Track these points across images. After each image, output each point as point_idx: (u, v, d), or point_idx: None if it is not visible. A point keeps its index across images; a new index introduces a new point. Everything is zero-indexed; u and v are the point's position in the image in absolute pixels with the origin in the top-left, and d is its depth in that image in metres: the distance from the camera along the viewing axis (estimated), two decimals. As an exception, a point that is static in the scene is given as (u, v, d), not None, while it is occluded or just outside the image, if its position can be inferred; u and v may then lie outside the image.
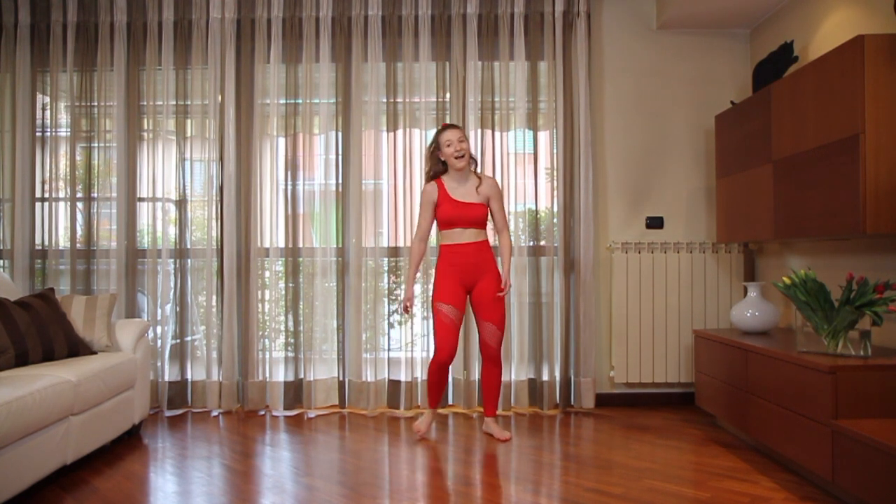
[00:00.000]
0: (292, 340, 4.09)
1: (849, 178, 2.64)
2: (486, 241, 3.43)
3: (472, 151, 4.01)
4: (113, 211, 4.13)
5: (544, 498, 2.64)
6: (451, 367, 3.96)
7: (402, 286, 3.88)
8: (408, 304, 3.48)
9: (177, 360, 4.09)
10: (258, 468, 3.06)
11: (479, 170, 3.63)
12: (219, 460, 3.16)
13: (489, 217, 3.47)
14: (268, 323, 4.16)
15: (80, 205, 4.13)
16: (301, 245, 4.12)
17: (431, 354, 4.05)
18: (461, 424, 3.77)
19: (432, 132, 4.08)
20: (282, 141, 4.17)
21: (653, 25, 4.23)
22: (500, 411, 3.99)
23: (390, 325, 4.17)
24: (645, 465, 3.03)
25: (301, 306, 4.09)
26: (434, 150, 3.44)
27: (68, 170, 4.13)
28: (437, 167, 3.45)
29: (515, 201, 4.11)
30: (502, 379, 4.00)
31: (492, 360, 3.44)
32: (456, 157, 3.35)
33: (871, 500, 2.26)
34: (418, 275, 3.59)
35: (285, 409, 4.04)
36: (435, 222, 3.48)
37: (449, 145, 3.36)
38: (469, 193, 3.39)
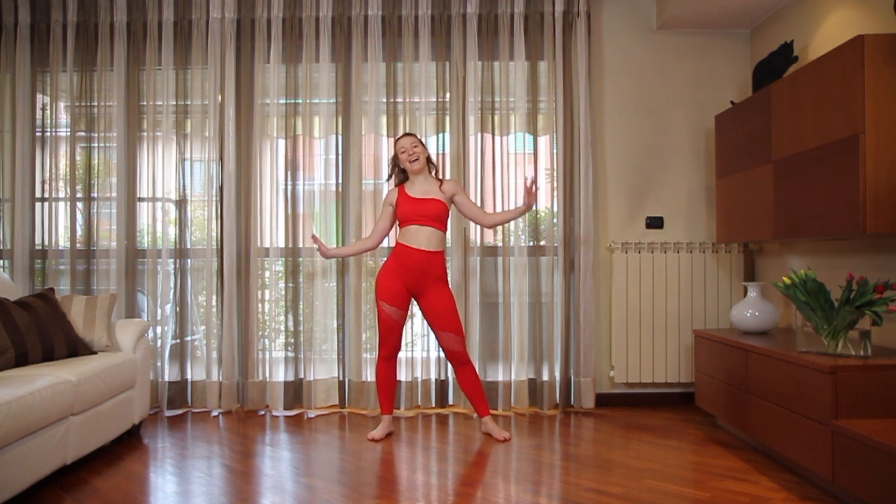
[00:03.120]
0: (292, 340, 4.09)
1: (849, 178, 2.64)
2: (442, 252, 3.43)
3: (473, 154, 4.03)
4: (113, 211, 4.13)
5: (544, 498, 2.64)
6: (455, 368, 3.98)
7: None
8: (317, 240, 3.53)
9: (177, 360, 4.09)
10: (258, 468, 3.06)
11: (440, 174, 3.62)
12: (219, 460, 3.16)
13: (450, 214, 3.50)
14: (268, 323, 4.16)
15: (80, 205, 4.13)
16: (301, 245, 4.12)
17: (433, 353, 4.08)
18: (461, 424, 3.77)
19: (432, 133, 4.10)
20: (282, 141, 4.17)
21: (653, 25, 4.23)
22: (500, 411, 3.99)
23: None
24: (645, 465, 3.03)
25: (301, 306, 4.09)
26: (394, 159, 3.53)
27: (68, 170, 4.13)
28: (400, 176, 3.54)
29: (516, 201, 4.10)
30: (501, 379, 4.03)
31: (462, 363, 3.45)
32: (410, 162, 3.42)
33: (871, 500, 2.26)
34: (347, 251, 3.64)
35: (285, 409, 4.04)
36: (396, 224, 3.53)
37: (403, 152, 3.43)
38: (429, 192, 3.43)
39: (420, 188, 3.45)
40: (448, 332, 3.39)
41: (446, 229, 3.48)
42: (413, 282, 3.38)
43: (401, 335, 3.47)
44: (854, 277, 2.67)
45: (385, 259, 3.58)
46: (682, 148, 4.22)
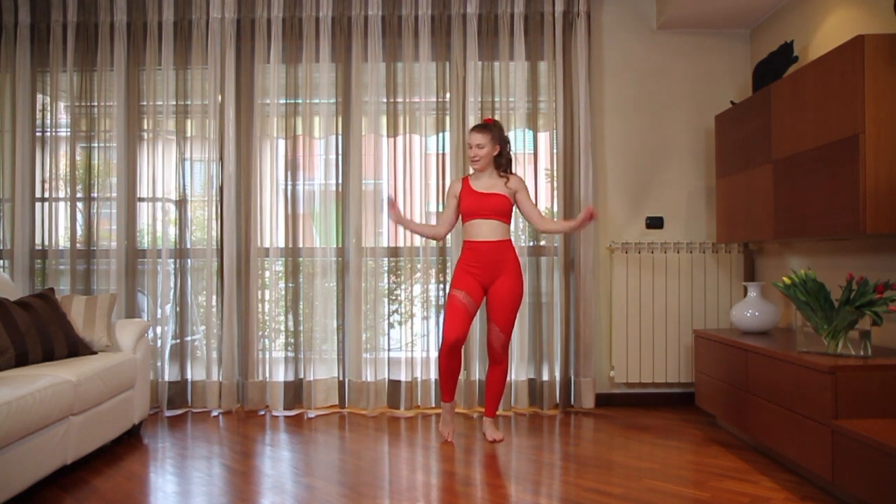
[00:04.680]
0: (292, 340, 4.09)
1: (849, 178, 2.64)
2: (508, 240, 3.39)
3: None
4: (113, 211, 4.13)
5: (544, 498, 2.64)
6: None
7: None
8: (394, 203, 3.51)
9: (177, 360, 4.09)
10: (258, 468, 3.06)
11: (511, 170, 3.49)
12: (219, 460, 3.17)
13: (514, 211, 3.44)
14: (268, 323, 4.16)
15: (80, 205, 4.13)
16: (301, 245, 4.12)
17: (433, 353, 4.08)
18: (461, 424, 3.76)
19: (432, 133, 4.10)
20: (282, 141, 4.17)
21: (653, 25, 4.23)
22: (500, 411, 3.97)
23: (390, 325, 4.17)
24: (645, 465, 3.03)
25: (301, 306, 4.09)
26: None
27: (68, 170, 4.13)
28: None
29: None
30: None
31: (495, 361, 3.44)
32: (472, 160, 3.39)
33: (871, 500, 2.26)
34: (416, 227, 3.62)
35: (285, 409, 4.04)
36: (460, 216, 3.47)
37: (469, 147, 3.40)
38: (493, 186, 3.38)
39: (484, 182, 3.40)
40: (497, 325, 3.36)
41: (510, 222, 3.43)
42: (486, 275, 3.34)
43: (467, 323, 3.28)
44: (854, 277, 2.67)
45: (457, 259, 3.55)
46: (682, 148, 4.22)
